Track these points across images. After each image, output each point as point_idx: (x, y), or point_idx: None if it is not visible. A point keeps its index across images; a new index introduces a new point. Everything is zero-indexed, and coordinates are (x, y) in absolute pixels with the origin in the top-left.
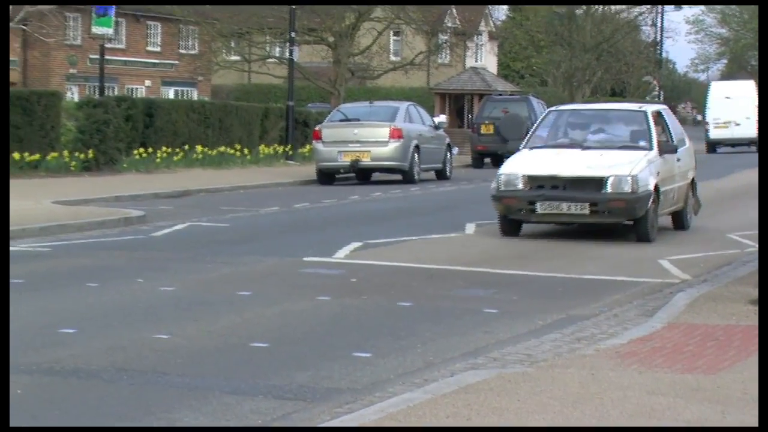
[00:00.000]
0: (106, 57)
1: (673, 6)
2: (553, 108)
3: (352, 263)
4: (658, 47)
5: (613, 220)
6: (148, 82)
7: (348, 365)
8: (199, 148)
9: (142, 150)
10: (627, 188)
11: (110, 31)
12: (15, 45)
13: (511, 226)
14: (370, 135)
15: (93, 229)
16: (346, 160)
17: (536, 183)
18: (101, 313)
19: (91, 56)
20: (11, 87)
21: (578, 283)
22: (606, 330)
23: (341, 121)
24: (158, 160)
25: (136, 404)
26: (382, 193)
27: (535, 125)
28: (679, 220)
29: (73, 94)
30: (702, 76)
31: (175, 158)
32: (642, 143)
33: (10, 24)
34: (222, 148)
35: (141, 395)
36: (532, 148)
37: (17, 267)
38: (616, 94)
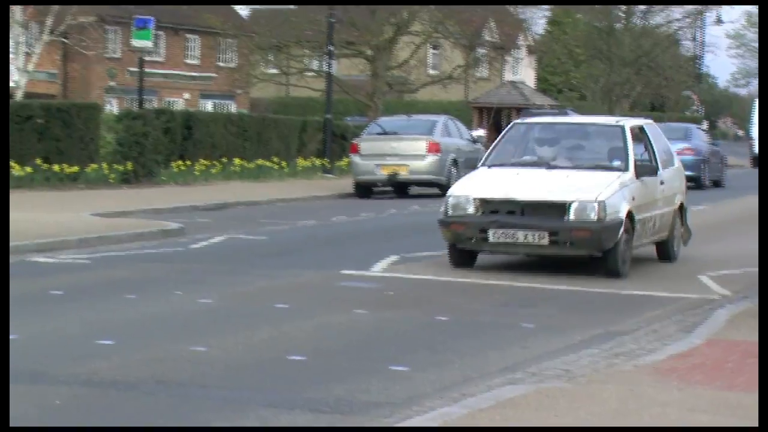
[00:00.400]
0: (146, 70)
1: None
2: (520, 120)
3: (389, 276)
4: (698, 61)
5: (577, 252)
6: (186, 95)
7: (385, 379)
8: (237, 160)
9: (180, 162)
10: (593, 215)
11: (149, 44)
12: (55, 57)
13: (462, 257)
14: (408, 148)
15: (131, 241)
16: (383, 174)
17: (490, 207)
18: (139, 325)
19: (131, 69)
20: (51, 99)
21: (617, 299)
22: (645, 346)
23: (379, 134)
24: (196, 172)
25: (173, 416)
26: (419, 207)
27: (498, 139)
28: (665, 251)
29: (113, 107)
30: (743, 91)
31: (213, 171)
32: (616, 163)
33: (52, 36)
34: (260, 161)
35: (179, 407)
36: (490, 165)
37: (56, 279)
38: (656, 109)
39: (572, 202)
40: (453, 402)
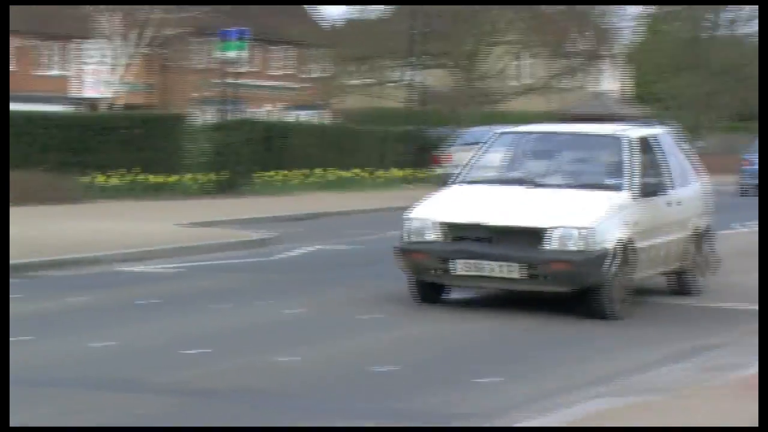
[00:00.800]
0: (234, 81)
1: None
2: (507, 129)
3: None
4: None
5: (556, 288)
6: (273, 106)
7: (473, 390)
8: (322, 171)
9: (267, 173)
10: (573, 245)
11: (238, 55)
12: (147, 69)
13: (426, 291)
14: None
15: (218, 251)
16: None
17: (455, 233)
18: (225, 335)
19: (219, 80)
20: (145, 109)
21: (711, 312)
22: (737, 361)
23: (470, 144)
24: (282, 182)
25: (258, 426)
26: None
27: (476, 151)
28: (679, 283)
29: (203, 118)
30: None
31: (299, 181)
32: (612, 181)
33: (146, 49)
34: (344, 172)
35: (264, 417)
36: (464, 182)
37: (143, 288)
38: (745, 119)
39: (551, 228)
40: (542, 414)
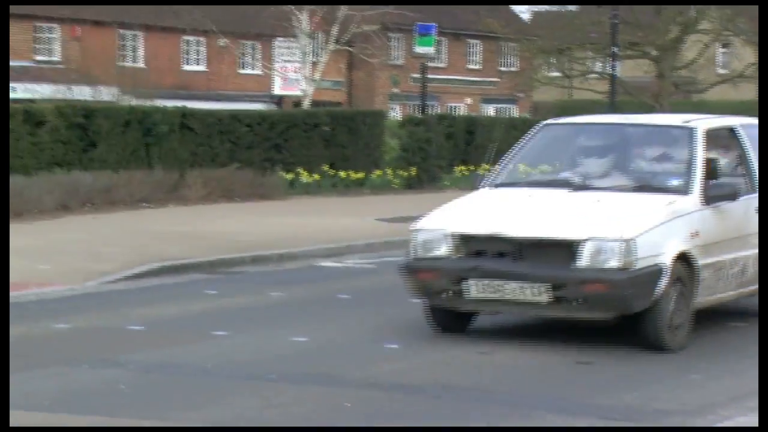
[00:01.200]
0: (428, 76)
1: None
2: (551, 121)
3: None
4: None
5: (590, 314)
6: (468, 100)
7: (677, 386)
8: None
9: (463, 167)
10: (613, 260)
11: (432, 50)
12: (340, 65)
13: (448, 317)
14: None
15: None
16: None
17: (472, 247)
18: (424, 329)
19: (413, 75)
20: (338, 107)
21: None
22: None
23: None
24: None
25: (457, 421)
26: None
27: (515, 148)
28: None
29: (396, 113)
30: None
31: None
32: (674, 182)
33: (337, 45)
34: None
35: (463, 412)
36: (498, 185)
37: (343, 283)
38: None
39: (585, 240)
40: (749, 411)
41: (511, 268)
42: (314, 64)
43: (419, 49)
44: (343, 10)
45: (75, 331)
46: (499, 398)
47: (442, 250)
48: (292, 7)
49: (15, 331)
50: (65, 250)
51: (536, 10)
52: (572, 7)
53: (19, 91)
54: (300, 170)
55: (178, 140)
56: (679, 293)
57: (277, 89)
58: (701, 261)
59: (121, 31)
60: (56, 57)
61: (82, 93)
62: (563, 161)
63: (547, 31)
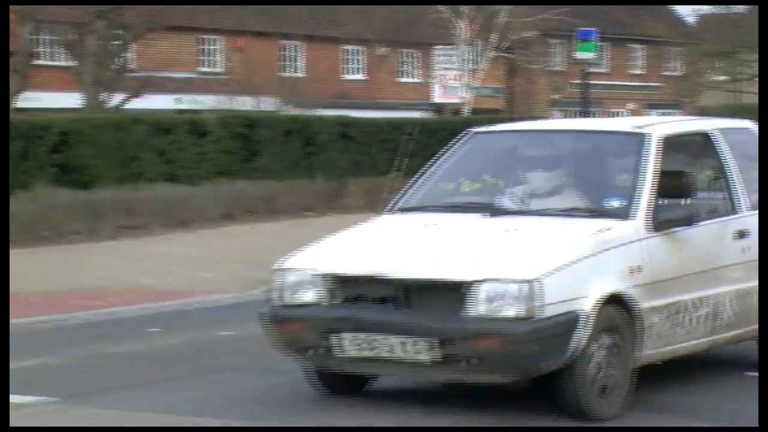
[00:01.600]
0: (589, 81)
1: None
2: (480, 129)
3: None
4: None
5: (487, 377)
6: (631, 106)
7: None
8: None
9: None
10: (511, 308)
11: (593, 55)
12: (499, 73)
13: (328, 378)
14: None
15: None
16: None
17: (348, 291)
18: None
19: (574, 81)
20: (498, 114)
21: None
22: None
23: None
24: None
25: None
26: None
27: (436, 161)
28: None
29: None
30: None
31: None
32: (614, 204)
33: (496, 52)
34: None
35: None
36: (403, 209)
37: None
38: None
39: (479, 282)
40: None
41: (389, 318)
42: (473, 71)
43: (580, 55)
44: (502, 17)
45: (240, 339)
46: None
47: (312, 295)
48: (451, 15)
49: (182, 338)
50: (229, 259)
51: (702, 12)
52: (740, 8)
53: (185, 102)
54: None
55: (338, 149)
56: (610, 347)
57: (437, 97)
58: (645, 304)
59: (282, 41)
60: (219, 68)
61: (245, 103)
62: (488, 178)
63: (713, 34)
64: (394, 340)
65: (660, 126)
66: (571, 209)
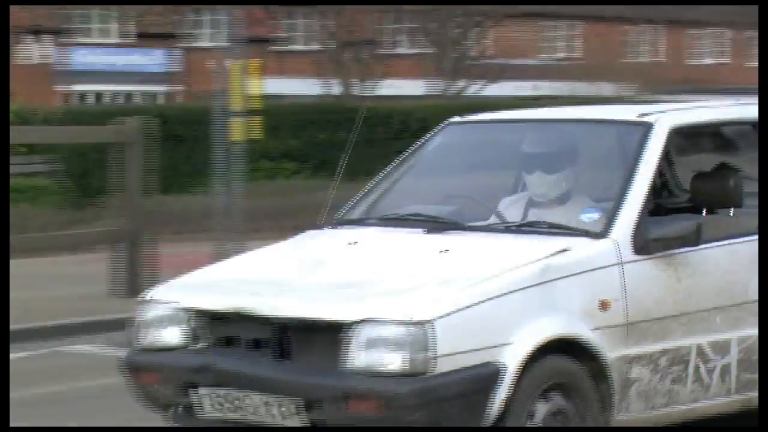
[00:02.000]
0: None
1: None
2: (456, 119)
3: None
4: None
5: None
6: None
7: None
8: None
9: None
10: (395, 359)
11: None
12: None
13: None
14: None
15: None
16: None
17: (221, 331)
18: None
19: None
20: None
21: None
22: None
23: None
24: None
25: None
26: None
27: (398, 160)
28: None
29: None
30: None
31: None
32: (591, 217)
33: None
34: None
35: None
36: (342, 222)
37: None
38: None
39: (357, 322)
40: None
41: (252, 369)
42: None
43: None
44: None
45: None
46: None
47: (175, 335)
48: None
49: None
50: None
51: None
52: None
53: (539, 89)
54: None
55: None
56: (561, 413)
57: None
58: (617, 352)
59: (640, 26)
60: (576, 54)
61: (584, 90)
62: (451, 182)
63: None
64: (257, 399)
65: (674, 114)
66: (531, 224)
